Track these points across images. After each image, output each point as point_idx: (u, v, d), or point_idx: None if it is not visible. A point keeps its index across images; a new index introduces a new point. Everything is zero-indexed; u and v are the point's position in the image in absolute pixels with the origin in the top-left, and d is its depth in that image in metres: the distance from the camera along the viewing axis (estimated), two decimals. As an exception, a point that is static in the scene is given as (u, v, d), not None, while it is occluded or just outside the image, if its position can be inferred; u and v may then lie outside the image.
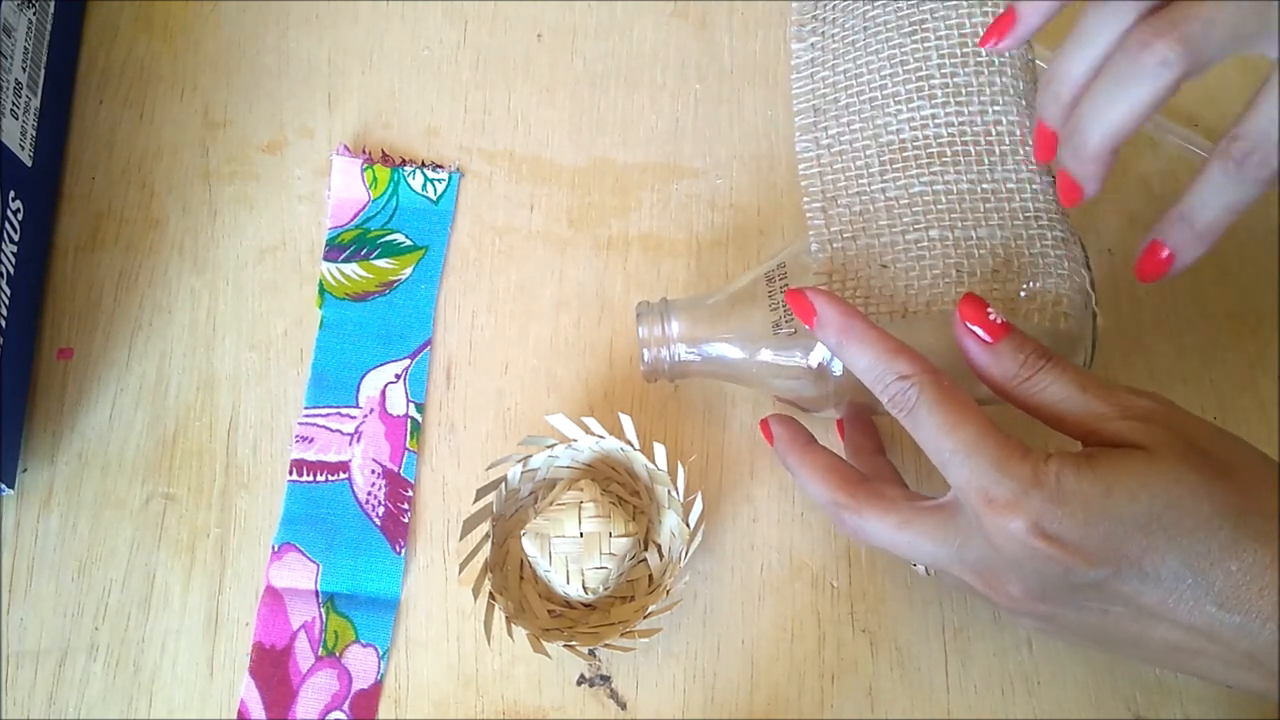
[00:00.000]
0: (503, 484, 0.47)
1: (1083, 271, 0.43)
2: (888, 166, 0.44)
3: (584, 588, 0.45)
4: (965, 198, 0.43)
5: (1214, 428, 0.38)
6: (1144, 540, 0.35)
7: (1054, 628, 0.39)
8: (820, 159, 0.45)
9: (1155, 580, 0.35)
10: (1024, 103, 0.44)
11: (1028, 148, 0.43)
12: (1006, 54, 0.44)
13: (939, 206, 0.43)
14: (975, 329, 0.39)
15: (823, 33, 0.47)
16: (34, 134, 0.53)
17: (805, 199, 0.45)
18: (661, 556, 0.47)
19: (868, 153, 0.44)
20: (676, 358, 0.46)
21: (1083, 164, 0.39)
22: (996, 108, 0.44)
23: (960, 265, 0.42)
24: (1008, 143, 0.44)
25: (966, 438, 0.37)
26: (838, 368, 0.43)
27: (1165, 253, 0.41)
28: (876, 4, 0.46)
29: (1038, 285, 0.41)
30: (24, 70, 0.52)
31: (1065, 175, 0.41)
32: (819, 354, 0.44)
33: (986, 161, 0.43)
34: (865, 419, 0.47)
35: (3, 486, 0.49)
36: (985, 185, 0.43)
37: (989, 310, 0.39)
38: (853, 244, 0.43)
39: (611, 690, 0.47)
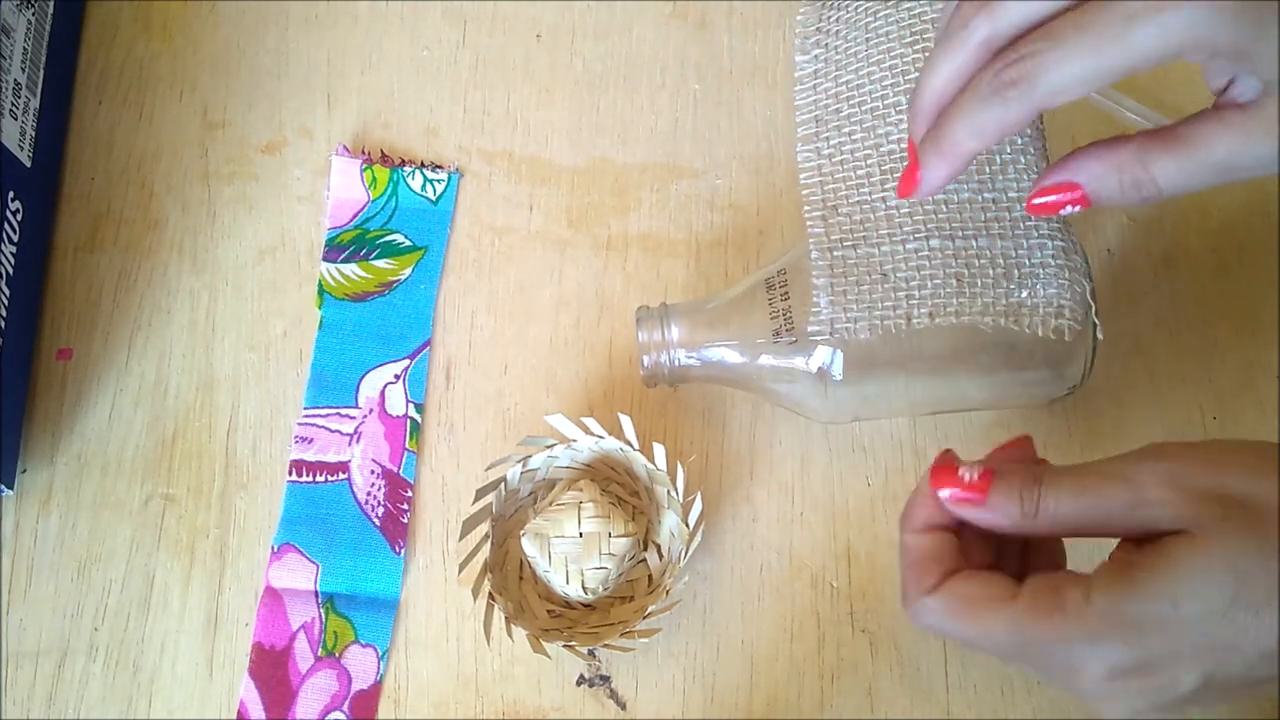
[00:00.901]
0: (502, 484, 0.47)
1: (1084, 281, 0.42)
2: (888, 175, 0.44)
3: (583, 588, 0.45)
4: (966, 207, 0.43)
5: (1218, 456, 0.35)
6: (1230, 631, 0.33)
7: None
8: (821, 168, 0.45)
9: (1265, 641, 0.33)
10: None
11: (1029, 156, 0.43)
12: None
13: (940, 215, 0.43)
14: (961, 495, 0.37)
15: (826, 44, 0.47)
16: (33, 134, 0.53)
17: (806, 207, 0.45)
18: (661, 557, 0.47)
19: (869, 162, 0.44)
20: (676, 363, 0.46)
21: (941, 156, 0.38)
22: None
23: (961, 274, 0.42)
24: (1009, 152, 0.44)
25: (1004, 628, 0.35)
26: (838, 371, 0.44)
27: (918, 173, 0.38)
28: (879, 15, 0.46)
29: (1039, 294, 0.41)
30: (23, 71, 0.52)
31: (912, 167, 0.39)
32: (819, 358, 0.44)
33: (987, 171, 0.43)
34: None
35: (2, 487, 0.49)
36: (986, 194, 0.43)
37: (961, 471, 0.37)
38: (853, 252, 0.43)
39: (611, 690, 0.47)
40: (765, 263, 0.48)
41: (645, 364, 0.46)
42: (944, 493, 0.37)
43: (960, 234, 0.43)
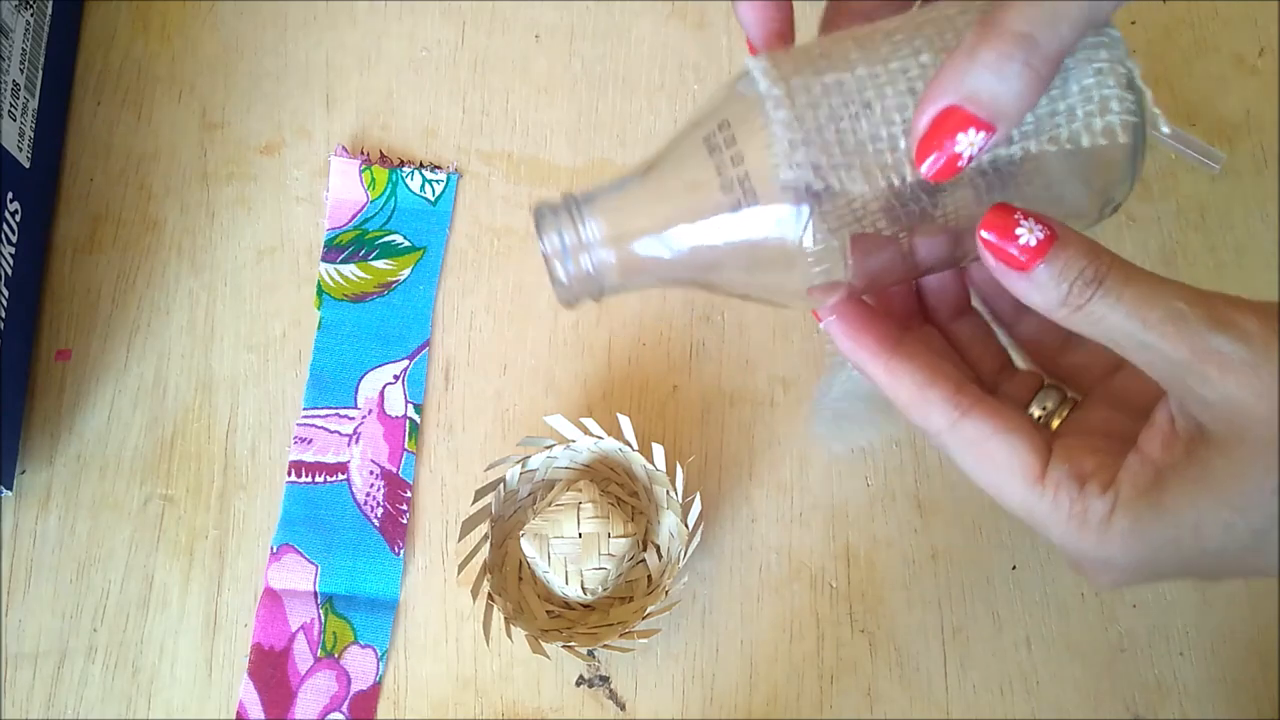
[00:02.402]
0: (501, 485, 0.47)
1: (1126, 63, 0.32)
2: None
3: (583, 588, 0.45)
4: (956, 17, 0.32)
5: None
6: (1256, 554, 0.30)
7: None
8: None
9: None
10: None
11: None
12: None
13: (925, 30, 0.32)
14: (1005, 248, 0.31)
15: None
16: (32, 135, 0.53)
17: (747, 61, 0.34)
18: (660, 557, 0.47)
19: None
20: (600, 270, 0.34)
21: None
22: None
23: None
24: None
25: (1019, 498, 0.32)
26: (809, 240, 0.33)
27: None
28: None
29: (1072, 93, 0.31)
30: (22, 72, 0.52)
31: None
32: (791, 223, 0.32)
33: None
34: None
35: (1, 488, 0.49)
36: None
37: (1019, 223, 0.30)
38: (817, 82, 0.31)
39: (610, 691, 0.47)
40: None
41: (561, 278, 0.34)
42: (985, 246, 0.31)
43: (955, 43, 0.31)
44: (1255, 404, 0.29)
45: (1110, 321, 0.30)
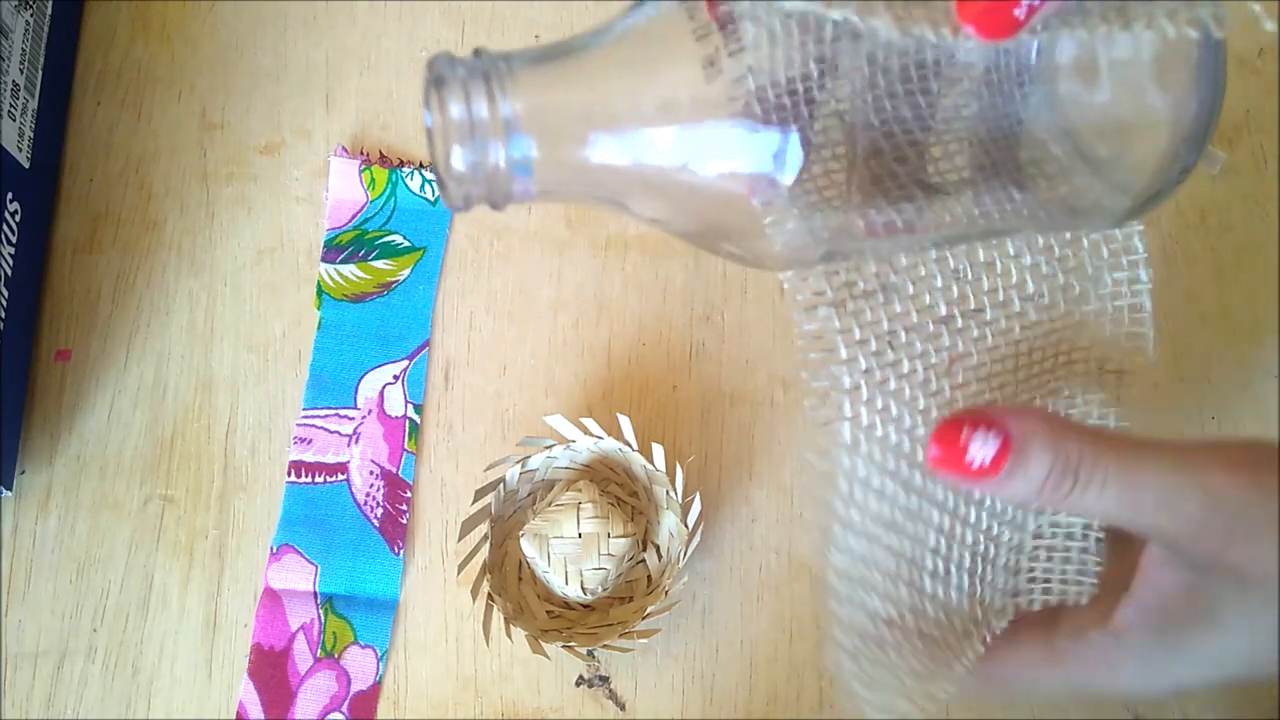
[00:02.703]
0: (501, 485, 0.47)
1: None
2: None
3: (582, 588, 0.45)
4: None
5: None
6: (1271, 663, 0.29)
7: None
8: None
9: None
10: None
11: None
12: None
13: None
14: (958, 471, 0.28)
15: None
16: (31, 136, 0.53)
17: None
18: (660, 557, 0.47)
19: None
20: (514, 162, 0.25)
21: None
22: None
23: None
24: None
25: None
26: (792, 162, 0.25)
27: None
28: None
29: None
30: (21, 72, 0.52)
31: None
32: (774, 127, 0.25)
33: None
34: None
35: (1, 488, 0.49)
36: None
37: (970, 440, 0.27)
38: None
39: (610, 691, 0.47)
40: None
41: (456, 168, 0.25)
42: (935, 466, 0.29)
43: None
44: (1254, 568, 0.28)
45: (1098, 509, 0.29)
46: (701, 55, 0.24)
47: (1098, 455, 0.28)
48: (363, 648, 0.47)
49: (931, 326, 0.29)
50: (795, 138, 0.24)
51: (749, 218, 0.25)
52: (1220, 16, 0.24)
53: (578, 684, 0.47)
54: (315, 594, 0.48)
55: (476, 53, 0.25)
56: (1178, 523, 0.28)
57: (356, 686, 0.47)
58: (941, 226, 0.28)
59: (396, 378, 0.51)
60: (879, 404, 0.29)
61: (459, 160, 0.24)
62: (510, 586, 0.47)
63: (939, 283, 0.29)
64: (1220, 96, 0.25)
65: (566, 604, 0.47)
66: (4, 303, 0.49)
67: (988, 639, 0.32)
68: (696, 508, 0.46)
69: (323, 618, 0.48)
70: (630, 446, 0.47)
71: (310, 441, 0.50)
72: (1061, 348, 0.31)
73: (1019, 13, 0.23)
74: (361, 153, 0.55)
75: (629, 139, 0.25)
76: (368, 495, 0.49)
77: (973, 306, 0.30)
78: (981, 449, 0.27)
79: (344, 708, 0.47)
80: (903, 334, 0.29)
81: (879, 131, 0.25)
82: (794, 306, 0.28)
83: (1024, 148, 0.26)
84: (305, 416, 0.51)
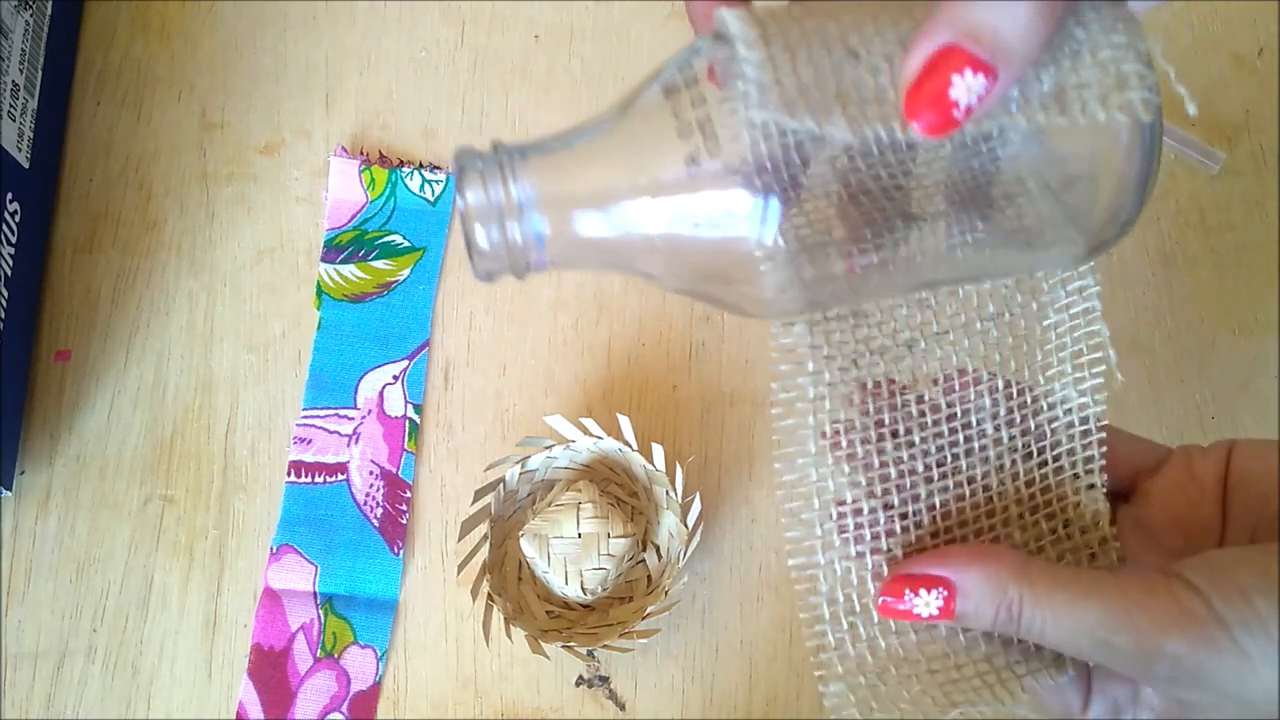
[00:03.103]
0: (501, 485, 0.47)
1: (1145, 42, 0.27)
2: None
3: (582, 588, 0.45)
4: None
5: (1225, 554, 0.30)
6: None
7: None
8: None
9: None
10: None
11: None
12: None
13: None
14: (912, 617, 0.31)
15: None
16: (31, 136, 0.53)
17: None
18: (660, 557, 0.47)
19: None
20: (530, 239, 0.29)
21: None
22: None
23: None
24: None
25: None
26: (770, 224, 0.28)
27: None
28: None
29: (1085, 65, 0.27)
30: (21, 72, 0.52)
31: None
32: (752, 188, 0.28)
33: None
34: None
35: (1, 489, 0.49)
36: None
37: (913, 599, 0.31)
38: (796, 28, 0.27)
39: (610, 691, 0.47)
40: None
41: (481, 245, 0.29)
42: (887, 615, 0.31)
43: None
44: (1204, 710, 0.30)
45: (1053, 638, 0.30)
46: (684, 152, 0.28)
47: (1035, 603, 0.30)
48: (362, 648, 0.47)
49: (896, 349, 0.32)
50: (777, 205, 0.28)
51: (736, 275, 0.29)
52: (1149, 101, 0.26)
53: (578, 684, 0.47)
54: (315, 594, 0.48)
55: (494, 146, 0.29)
56: (1119, 662, 0.29)
57: (356, 686, 0.47)
58: (914, 267, 0.30)
59: (396, 378, 0.51)
60: (841, 416, 0.32)
61: (482, 238, 0.28)
62: (510, 586, 0.47)
63: (903, 311, 0.32)
64: (1157, 156, 0.29)
65: (566, 604, 0.47)
66: (4, 303, 0.49)
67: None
68: (696, 508, 0.46)
69: (322, 618, 0.48)
70: (630, 446, 0.47)
71: (310, 441, 0.50)
72: (1030, 358, 0.34)
73: (957, 114, 0.26)
74: (361, 153, 0.55)
75: (624, 218, 0.29)
76: (367, 495, 0.49)
77: (936, 330, 0.33)
78: (928, 605, 0.30)
79: (344, 708, 0.47)
80: (867, 355, 0.32)
81: (866, 175, 0.28)
82: (772, 321, 0.32)
83: (994, 186, 0.29)
84: (305, 416, 0.51)
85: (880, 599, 0.31)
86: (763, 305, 0.30)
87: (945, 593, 0.30)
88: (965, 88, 0.25)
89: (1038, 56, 0.26)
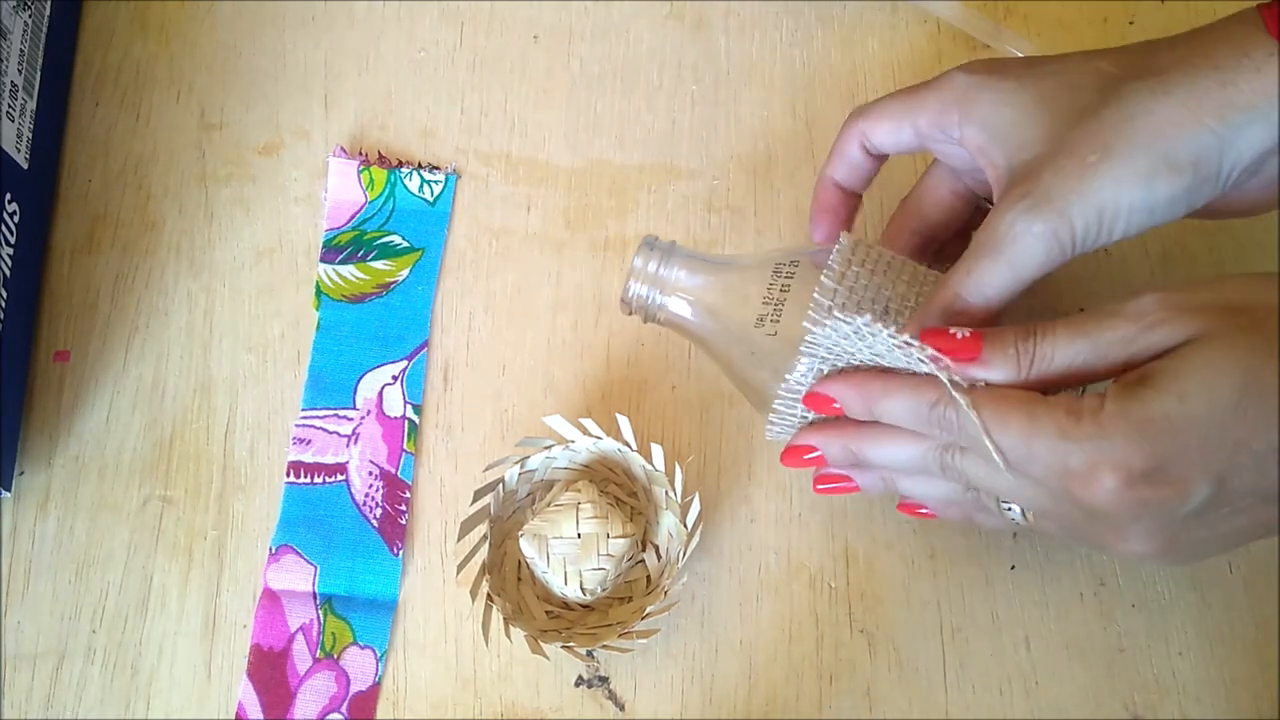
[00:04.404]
0: (500, 485, 0.47)
1: None
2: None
3: (582, 589, 0.45)
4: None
5: (1213, 280, 0.36)
6: (1241, 427, 0.33)
7: (1195, 555, 0.37)
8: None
9: (1271, 455, 0.33)
10: None
11: None
12: None
13: (930, 277, 0.44)
14: (956, 351, 0.37)
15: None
16: (30, 137, 0.53)
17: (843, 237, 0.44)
18: (659, 558, 0.47)
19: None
20: (655, 302, 0.45)
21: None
22: None
23: None
24: None
25: (1018, 427, 0.36)
26: (797, 373, 0.42)
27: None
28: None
29: None
30: (20, 73, 0.52)
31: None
32: (786, 354, 0.42)
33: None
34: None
35: (0, 489, 0.49)
36: None
37: (953, 331, 0.37)
38: (864, 272, 0.42)
39: (610, 691, 0.47)
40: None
41: (629, 291, 0.45)
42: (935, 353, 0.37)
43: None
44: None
45: (1061, 355, 0.36)
46: (756, 315, 0.43)
47: (1049, 324, 0.38)
48: (362, 648, 0.47)
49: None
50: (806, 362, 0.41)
51: (755, 391, 0.45)
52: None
53: (577, 684, 0.47)
54: (314, 594, 0.48)
55: (668, 242, 0.46)
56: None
57: (356, 687, 0.47)
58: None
59: (395, 378, 0.51)
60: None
61: (633, 290, 0.46)
62: (509, 587, 0.47)
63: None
64: None
65: (566, 604, 0.47)
66: (3, 304, 0.49)
67: None
68: (695, 508, 0.46)
69: (322, 618, 0.48)
70: (629, 447, 0.47)
71: (309, 442, 0.50)
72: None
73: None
74: (360, 153, 0.55)
75: (708, 317, 0.45)
76: (367, 496, 0.49)
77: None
78: (960, 331, 0.37)
79: (343, 708, 0.47)
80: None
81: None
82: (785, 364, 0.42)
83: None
84: (304, 417, 0.51)
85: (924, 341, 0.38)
86: (763, 407, 0.45)
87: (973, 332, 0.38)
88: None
89: None
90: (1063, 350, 0.36)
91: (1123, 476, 0.34)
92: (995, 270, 0.38)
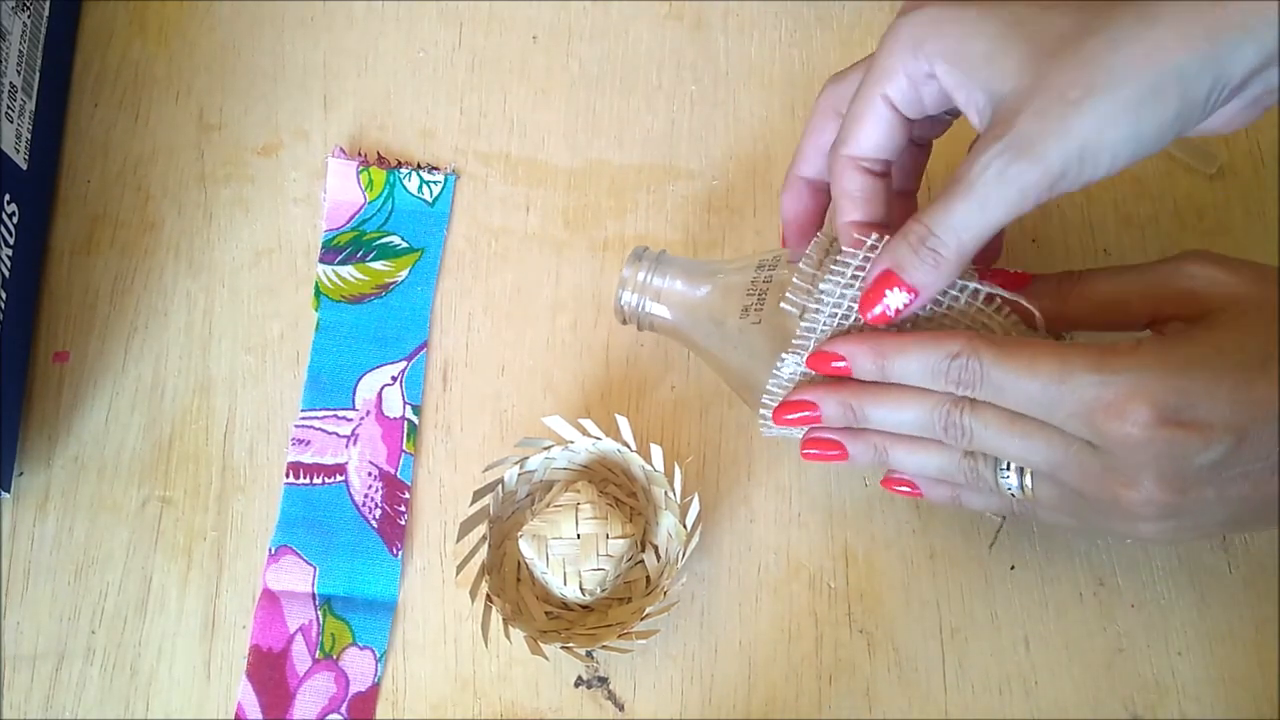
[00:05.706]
0: (499, 486, 0.47)
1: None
2: None
3: (581, 589, 0.45)
4: None
5: (1247, 259, 0.38)
6: (1265, 386, 0.34)
7: (1197, 523, 0.38)
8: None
9: None
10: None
11: None
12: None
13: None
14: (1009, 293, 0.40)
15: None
16: (29, 137, 0.53)
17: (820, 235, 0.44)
18: (659, 558, 0.47)
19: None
20: (644, 309, 0.47)
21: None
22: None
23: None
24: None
25: (1050, 367, 0.36)
26: (785, 366, 0.42)
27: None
28: None
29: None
30: (19, 74, 0.52)
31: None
32: (768, 350, 0.43)
33: None
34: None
35: (-1, 490, 0.49)
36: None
37: (1010, 269, 0.41)
38: (836, 261, 0.41)
39: (609, 692, 0.47)
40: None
41: (621, 299, 0.47)
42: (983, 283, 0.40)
43: None
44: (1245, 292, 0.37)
45: (1101, 286, 0.41)
46: (741, 306, 0.45)
47: (1091, 270, 0.42)
48: (361, 649, 0.47)
49: None
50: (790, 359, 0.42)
51: (744, 385, 0.46)
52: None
53: (576, 685, 0.47)
54: (314, 595, 0.48)
55: (657, 252, 0.47)
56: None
57: (355, 688, 0.47)
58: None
59: (394, 379, 0.51)
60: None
61: (624, 298, 0.47)
62: (509, 587, 0.47)
63: None
64: None
65: (565, 605, 0.47)
66: (2, 304, 0.49)
67: None
68: (695, 508, 0.46)
69: (321, 619, 0.48)
70: (629, 447, 0.47)
71: (308, 443, 0.50)
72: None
73: (890, 314, 0.39)
74: (359, 154, 0.55)
75: (695, 317, 0.46)
76: (366, 496, 0.49)
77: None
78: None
79: (343, 709, 0.47)
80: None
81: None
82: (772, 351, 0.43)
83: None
84: (303, 418, 0.51)
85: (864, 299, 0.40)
86: (751, 401, 0.46)
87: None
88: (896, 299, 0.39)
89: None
90: (1104, 283, 0.39)
91: (1155, 409, 0.35)
92: (967, 210, 0.37)
